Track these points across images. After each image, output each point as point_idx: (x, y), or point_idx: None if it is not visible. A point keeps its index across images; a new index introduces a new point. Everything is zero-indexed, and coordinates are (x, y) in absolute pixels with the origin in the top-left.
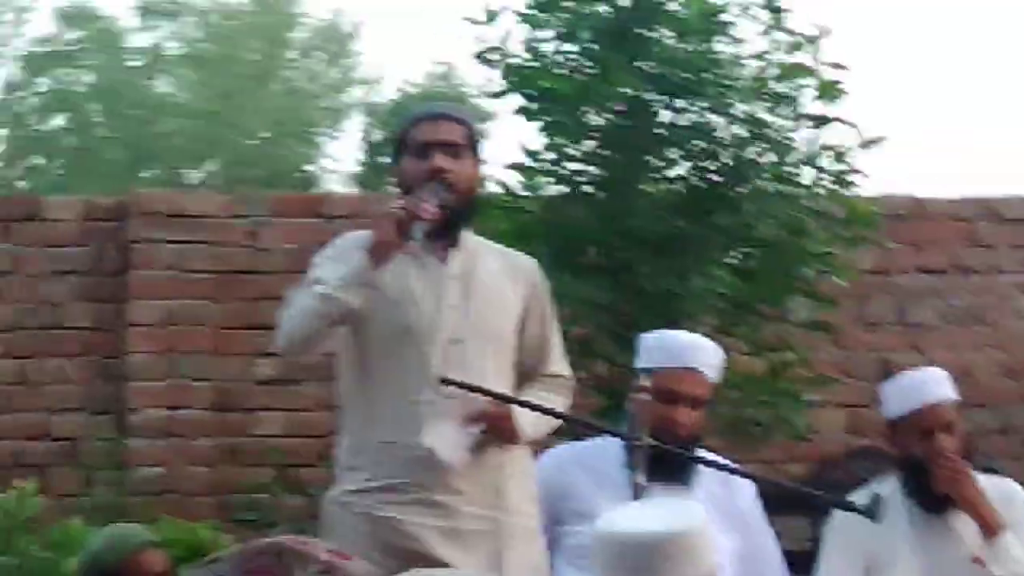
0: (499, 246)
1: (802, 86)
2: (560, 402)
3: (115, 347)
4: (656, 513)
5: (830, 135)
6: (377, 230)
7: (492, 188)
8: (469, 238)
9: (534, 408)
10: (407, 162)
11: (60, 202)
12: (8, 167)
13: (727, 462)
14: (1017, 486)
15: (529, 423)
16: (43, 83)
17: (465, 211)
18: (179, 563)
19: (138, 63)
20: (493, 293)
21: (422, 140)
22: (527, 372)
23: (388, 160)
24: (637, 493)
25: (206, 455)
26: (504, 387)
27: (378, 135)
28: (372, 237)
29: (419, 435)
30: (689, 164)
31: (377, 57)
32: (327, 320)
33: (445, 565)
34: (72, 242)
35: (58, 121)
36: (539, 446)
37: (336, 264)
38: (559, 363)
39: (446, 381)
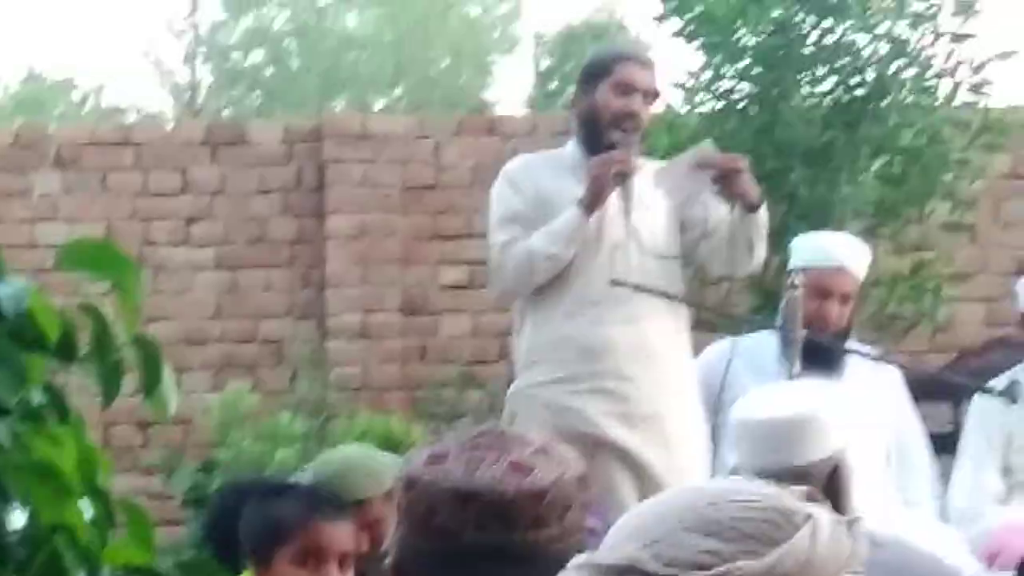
0: (655, 161)
1: (940, 4)
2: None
3: (315, 258)
4: (784, 399)
5: (966, 50)
6: (599, 186)
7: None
8: None
9: (699, 307)
10: (606, 93)
11: (262, 126)
12: (213, 98)
13: (876, 352)
14: None
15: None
16: (243, 22)
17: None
18: None
19: (329, 2)
20: (649, 205)
21: (629, 80)
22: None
23: (580, 82)
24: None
25: (397, 354)
26: (669, 283)
27: (546, 63)
28: (593, 191)
29: (592, 329)
30: (836, 80)
31: None
32: (545, 274)
33: (621, 448)
34: (274, 162)
35: (257, 56)
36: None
37: (524, 194)
38: None
39: (615, 282)
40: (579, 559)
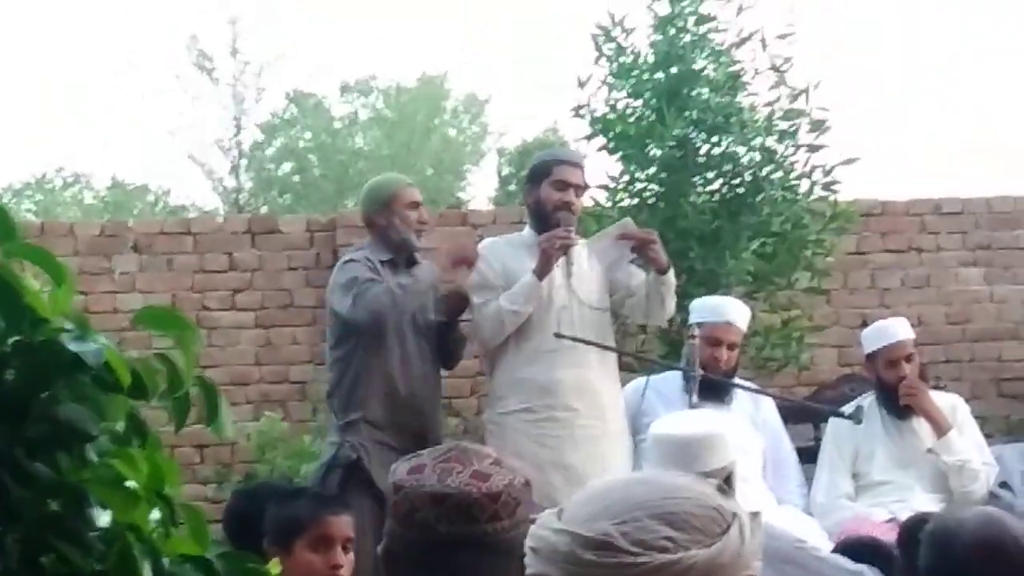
0: (587, 239)
1: (799, 123)
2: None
3: None
4: (690, 421)
5: (820, 157)
6: (548, 257)
7: (586, 202)
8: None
9: (621, 353)
10: (548, 189)
11: (290, 220)
12: (253, 198)
13: (755, 386)
14: (958, 398)
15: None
16: (276, 142)
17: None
18: None
19: (340, 125)
20: (585, 273)
21: (563, 178)
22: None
23: (527, 181)
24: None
25: None
26: (600, 336)
27: (506, 170)
28: (543, 261)
29: (545, 372)
30: (721, 181)
31: (504, 115)
32: (511, 326)
33: (566, 464)
34: (300, 247)
35: (286, 167)
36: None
37: (493, 268)
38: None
39: (558, 335)
40: (552, 523)
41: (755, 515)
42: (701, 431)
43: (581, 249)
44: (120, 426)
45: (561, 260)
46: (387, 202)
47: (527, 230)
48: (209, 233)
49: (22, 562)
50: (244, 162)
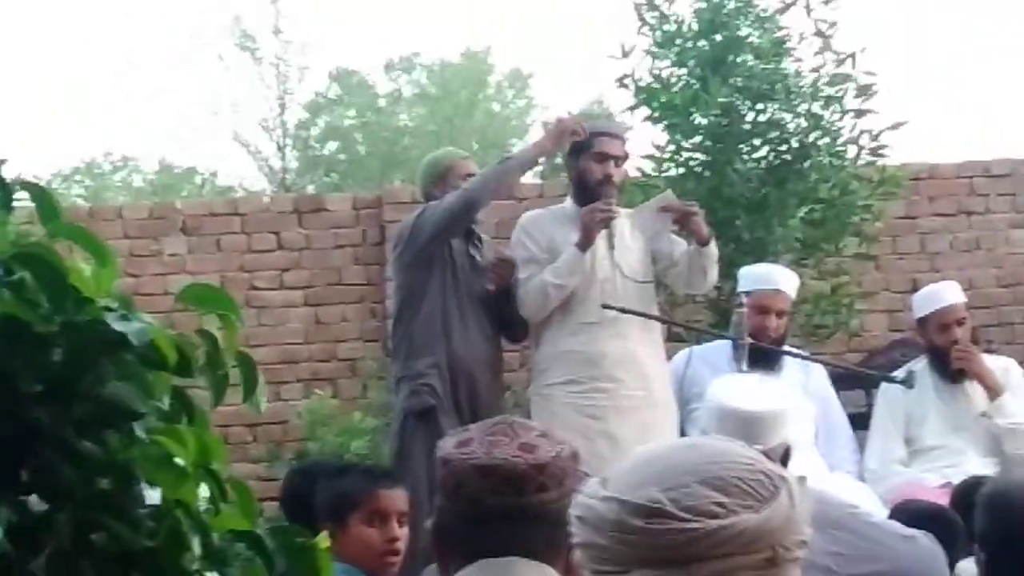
0: (629, 210)
1: (846, 88)
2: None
3: (378, 296)
4: (754, 395)
5: (866, 122)
6: (589, 230)
7: (632, 172)
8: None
9: (668, 323)
10: (589, 162)
11: (337, 198)
12: (299, 178)
13: (805, 353)
14: (1011, 361)
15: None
16: (320, 121)
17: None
18: None
19: (384, 103)
20: (627, 245)
21: (604, 151)
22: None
23: (569, 154)
24: None
25: None
26: (644, 307)
27: None
28: (584, 234)
29: (589, 344)
30: (768, 148)
31: (548, 88)
32: (556, 300)
33: (612, 435)
34: (346, 224)
35: (332, 146)
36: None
37: (537, 242)
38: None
39: (606, 306)
40: (599, 492)
41: (801, 479)
42: (767, 408)
43: (624, 221)
44: (165, 403)
45: (604, 232)
46: (443, 174)
47: (569, 202)
48: (256, 213)
49: (73, 540)
50: (289, 142)
